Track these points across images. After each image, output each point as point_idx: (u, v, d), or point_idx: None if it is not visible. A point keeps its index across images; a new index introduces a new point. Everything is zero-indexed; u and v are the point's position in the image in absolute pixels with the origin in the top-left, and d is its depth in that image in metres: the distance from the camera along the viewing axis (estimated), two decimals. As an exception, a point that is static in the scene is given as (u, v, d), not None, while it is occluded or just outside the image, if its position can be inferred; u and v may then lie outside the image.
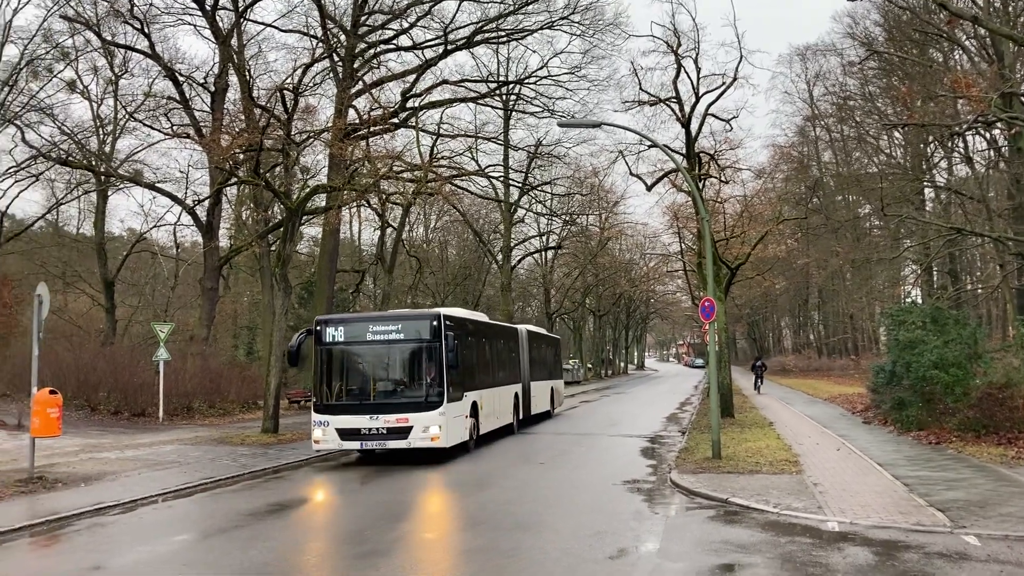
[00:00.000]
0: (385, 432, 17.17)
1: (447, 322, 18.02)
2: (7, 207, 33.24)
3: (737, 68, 26.72)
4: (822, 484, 13.39)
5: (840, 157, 58.56)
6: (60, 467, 16.57)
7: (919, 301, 37.79)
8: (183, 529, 11.55)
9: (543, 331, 33.42)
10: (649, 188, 29.28)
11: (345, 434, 17.33)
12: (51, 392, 14.93)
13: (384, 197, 33.83)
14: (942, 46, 35.01)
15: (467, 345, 19.94)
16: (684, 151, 27.09)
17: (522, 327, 28.33)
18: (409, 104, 31.68)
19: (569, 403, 38.54)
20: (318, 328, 18.12)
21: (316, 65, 29.91)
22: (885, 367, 22.16)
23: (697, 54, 26.95)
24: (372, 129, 28.98)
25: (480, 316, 24.64)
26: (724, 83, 26.83)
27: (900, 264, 42.99)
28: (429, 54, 32.39)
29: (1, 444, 19.99)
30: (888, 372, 21.65)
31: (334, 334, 17.94)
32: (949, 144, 36.40)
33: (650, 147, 27.92)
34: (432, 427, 17.14)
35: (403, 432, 17.11)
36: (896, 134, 43.68)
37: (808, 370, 63.82)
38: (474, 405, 20.02)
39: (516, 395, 25.08)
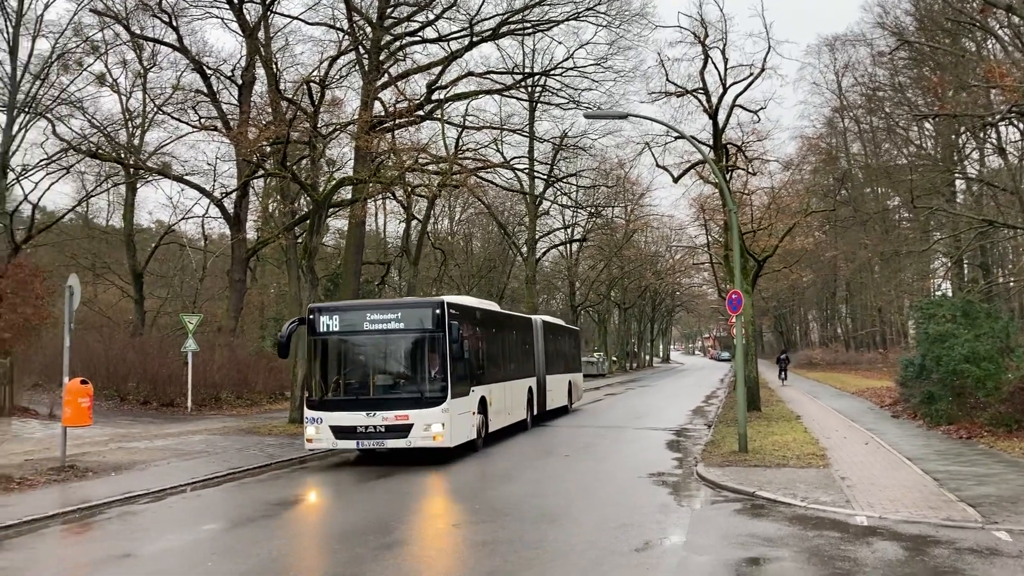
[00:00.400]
0: (383, 430, 15.83)
1: (451, 310, 16.71)
2: (39, 199, 33.64)
3: (765, 59, 26.51)
4: (850, 478, 13.27)
5: (869, 148, 57.89)
6: (91, 456, 16.79)
7: (949, 294, 37.34)
8: (212, 518, 11.67)
9: (560, 322, 32.26)
10: (676, 180, 29.14)
11: (340, 432, 16.01)
12: (82, 382, 15.10)
13: (409, 189, 33.89)
14: (975, 35, 34.47)
15: (475, 335, 18.78)
16: (711, 142, 26.90)
17: (536, 317, 27.23)
18: (435, 96, 31.66)
19: (593, 396, 38.49)
20: (311, 316, 16.78)
21: (342, 57, 29.94)
22: (914, 361, 21.94)
23: (724, 45, 26.76)
24: (398, 121, 29.02)
25: (490, 305, 23.13)
26: (752, 74, 26.62)
27: (930, 257, 42.41)
28: (455, 46, 32.33)
29: (33, 433, 20.29)
30: (917, 366, 21.44)
31: (328, 323, 16.57)
32: (981, 135, 35.87)
33: (677, 138, 27.78)
34: (434, 425, 15.83)
35: (403, 430, 15.80)
36: (927, 125, 43.07)
37: (835, 364, 63.34)
38: (483, 401, 18.70)
39: (530, 389, 23.84)
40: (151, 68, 36.40)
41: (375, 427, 15.86)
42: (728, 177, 26.80)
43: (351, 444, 16.28)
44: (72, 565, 9.31)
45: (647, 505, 11.91)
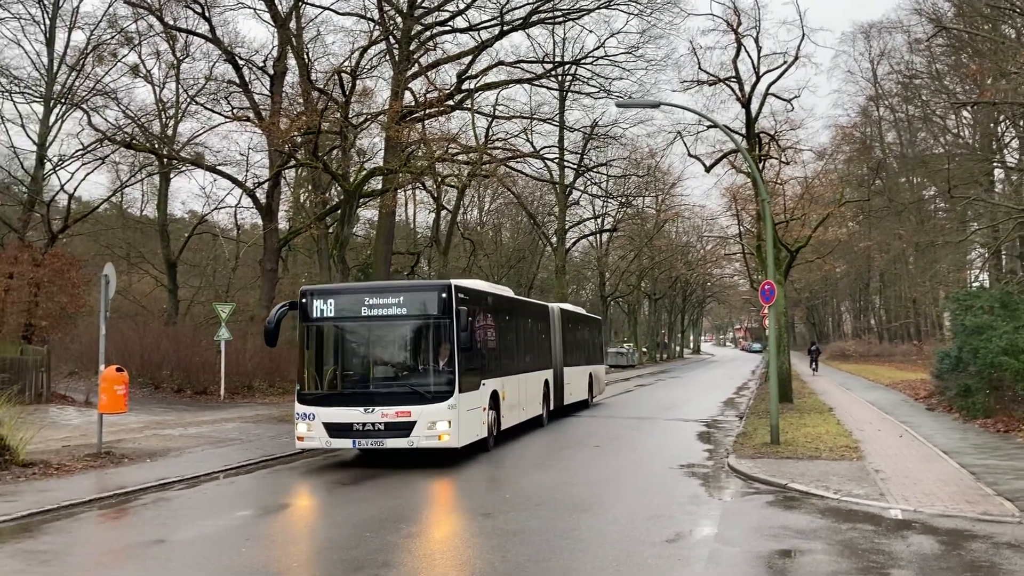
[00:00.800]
0: (382, 428, 14.25)
1: (460, 295, 15.03)
2: (75, 189, 34.00)
3: (799, 47, 26.27)
4: (884, 471, 13.12)
5: (904, 137, 57.08)
6: (126, 443, 17.02)
7: (987, 285, 36.72)
8: (244, 505, 11.78)
9: (580, 310, 30.67)
10: (708, 169, 28.94)
11: (334, 430, 14.46)
12: (118, 370, 15.29)
13: (439, 179, 33.97)
14: (1015, 21, 33.74)
15: (487, 323, 17.24)
16: (744, 131, 26.70)
17: (554, 305, 25.66)
18: (465, 86, 31.66)
19: (623, 387, 38.40)
20: (303, 300, 15.16)
21: (373, 48, 30.02)
22: (950, 353, 21.63)
23: (758, 33, 26.55)
24: (428, 111, 29.07)
25: (503, 290, 21.13)
26: (785, 62, 26.40)
27: (967, 247, 41.71)
28: (485, 35, 32.30)
29: (70, 420, 20.61)
30: (953, 358, 21.13)
31: (322, 308, 15.00)
32: (1021, 123, 35.18)
33: (709, 127, 27.62)
34: (440, 422, 14.24)
35: (404, 428, 14.20)
36: (964, 113, 42.29)
37: (868, 355, 62.65)
38: (494, 395, 16.95)
39: (546, 382, 22.19)
40: (184, 59, 36.73)
41: (373, 424, 14.31)
42: (761, 166, 26.55)
43: (346, 443, 14.62)
44: (108, 549, 9.45)
45: (678, 496, 11.85)
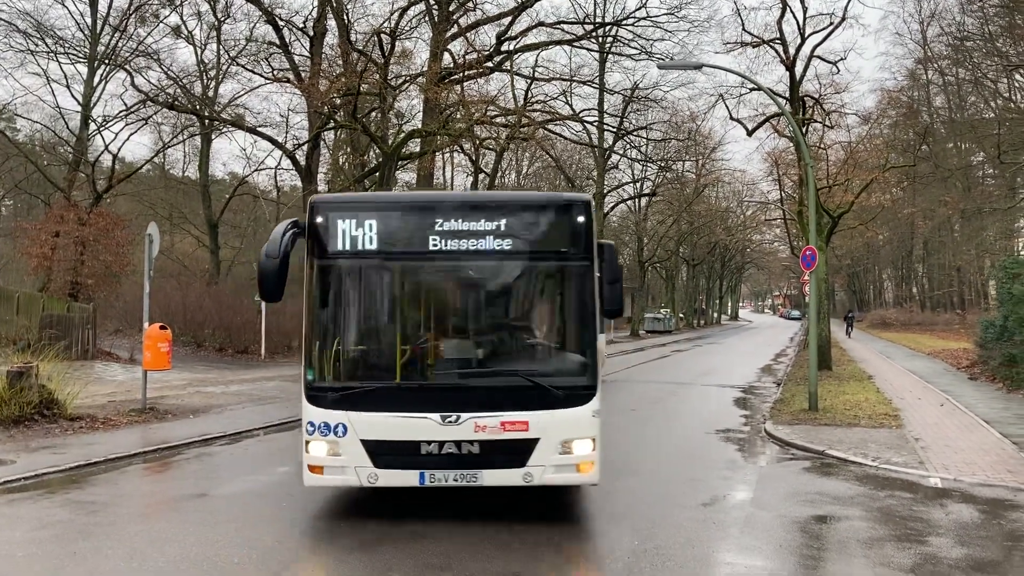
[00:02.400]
0: (476, 452, 8.09)
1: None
2: (118, 150, 34.53)
3: (846, 7, 25.88)
4: (924, 439, 13.00)
5: (953, 102, 55.65)
6: (169, 399, 17.37)
7: (1035, 254, 35.94)
8: (285, 461, 11.97)
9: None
10: (750, 133, 28.53)
11: (385, 453, 8.12)
12: (161, 328, 15.55)
13: (478, 142, 33.84)
14: (1073, -19, 32.65)
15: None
16: (788, 95, 26.25)
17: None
18: (504, 47, 31.42)
19: (660, 352, 38.32)
20: (317, 220, 8.36)
21: (412, 8, 29.89)
22: (995, 322, 21.30)
23: (804, -8, 25.90)
24: (467, 73, 28.90)
25: None
26: (832, 23, 25.86)
27: (1015, 215, 40.84)
28: (525, -5, 31.95)
29: (115, 376, 21.07)
30: (999, 327, 20.81)
31: (353, 234, 8.26)
32: (1076, 87, 34.16)
33: (752, 90, 27.17)
34: (578, 440, 8.21)
35: (516, 452, 8.11)
36: (1018, 76, 41.14)
37: (910, 324, 61.82)
38: None
39: None
40: (225, 20, 36.84)
41: (459, 444, 8.08)
42: (804, 130, 26.10)
43: (408, 477, 8.17)
44: (152, 501, 9.69)
45: (714, 461, 11.85)
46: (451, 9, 30.53)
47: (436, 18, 29.93)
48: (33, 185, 38.53)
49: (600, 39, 40.55)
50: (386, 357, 8.55)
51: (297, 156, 34.03)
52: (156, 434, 13.49)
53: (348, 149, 41.52)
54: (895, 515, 8.66)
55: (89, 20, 31.48)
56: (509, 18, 31.70)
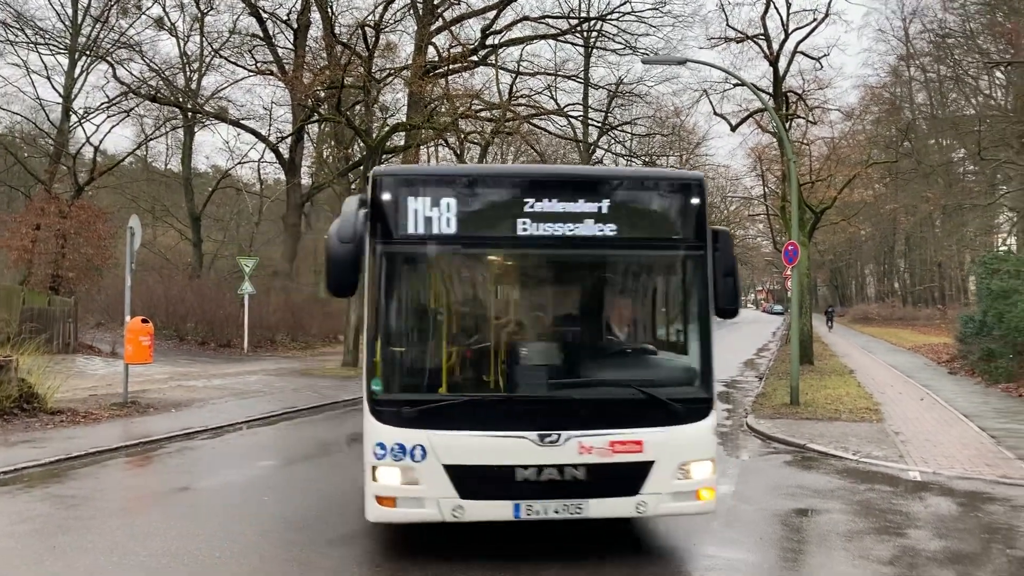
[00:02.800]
0: (580, 477, 6.68)
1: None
2: (100, 142, 34.23)
3: (829, 4, 25.99)
4: (904, 433, 13.12)
5: (935, 99, 55.99)
6: (151, 393, 17.27)
7: (1014, 249, 36.29)
8: (267, 455, 11.97)
9: None
10: (734, 128, 28.67)
11: (474, 480, 6.62)
12: (143, 321, 15.47)
13: (462, 136, 33.79)
14: (1053, -21, 32.93)
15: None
16: (771, 90, 26.37)
17: None
18: (489, 41, 31.36)
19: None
20: (383, 196, 6.79)
21: (397, 1, 29.78)
22: (975, 317, 21.51)
23: (788, -12, 25.99)
24: (451, 67, 28.82)
25: None
26: (815, 19, 26.02)
27: (995, 211, 41.21)
28: (510, -11, 31.89)
29: (97, 370, 20.94)
30: (978, 322, 21.01)
31: (427, 214, 6.76)
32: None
33: (736, 85, 27.27)
34: (696, 463, 6.93)
35: (626, 477, 6.76)
36: (998, 73, 41.47)
37: (891, 319, 62.28)
38: None
39: None
40: (208, 12, 36.61)
41: (561, 468, 6.67)
42: (787, 126, 26.22)
43: (500, 509, 6.72)
44: (134, 495, 9.65)
45: (696, 454, 11.89)
46: (436, 2, 30.42)
47: (421, 11, 29.83)
48: (13, 177, 38.15)
49: (585, 34, 40.52)
50: (469, 364, 7.12)
51: (280, 149, 33.94)
52: (138, 428, 13.42)
53: (332, 142, 41.37)
54: (875, 508, 8.74)
55: (70, 10, 31.26)
56: (494, 12, 31.65)
